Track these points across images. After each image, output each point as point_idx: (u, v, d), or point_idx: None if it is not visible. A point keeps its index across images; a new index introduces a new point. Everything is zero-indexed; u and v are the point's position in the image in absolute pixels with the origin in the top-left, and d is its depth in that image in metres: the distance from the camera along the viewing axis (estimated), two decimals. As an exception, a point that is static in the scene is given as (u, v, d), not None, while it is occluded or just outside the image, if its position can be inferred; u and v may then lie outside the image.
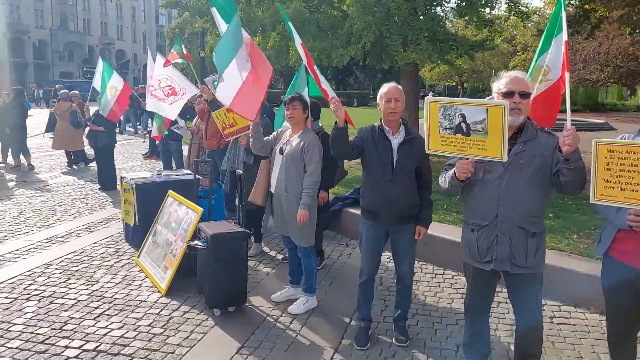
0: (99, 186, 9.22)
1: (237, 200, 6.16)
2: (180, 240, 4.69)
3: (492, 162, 2.79)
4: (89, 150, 12.29)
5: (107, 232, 6.55)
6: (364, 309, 3.80)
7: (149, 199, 5.80)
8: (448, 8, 12.39)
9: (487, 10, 11.17)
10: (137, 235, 5.86)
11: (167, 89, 6.90)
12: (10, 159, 12.15)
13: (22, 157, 11.31)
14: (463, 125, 2.74)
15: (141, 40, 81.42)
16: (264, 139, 4.31)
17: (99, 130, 8.72)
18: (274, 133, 4.41)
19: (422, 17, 10.46)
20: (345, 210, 6.36)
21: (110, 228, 6.74)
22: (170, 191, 5.52)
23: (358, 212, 6.16)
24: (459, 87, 62.09)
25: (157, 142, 13.25)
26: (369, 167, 3.55)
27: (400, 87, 3.49)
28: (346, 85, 62.43)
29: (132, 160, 12.78)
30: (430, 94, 48.62)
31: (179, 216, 4.98)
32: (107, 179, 9.08)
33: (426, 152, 2.92)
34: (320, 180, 4.11)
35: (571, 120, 2.70)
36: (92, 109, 9.51)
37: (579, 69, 31.62)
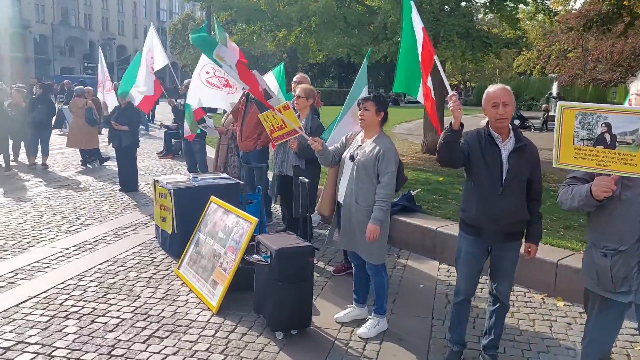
0: (119, 187, 8.81)
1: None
2: (232, 252, 4.29)
3: (633, 177, 2.39)
4: (103, 149, 11.95)
5: (137, 238, 6.14)
6: (459, 332, 3.41)
7: (188, 205, 5.41)
8: (479, 3, 11.99)
9: (520, 6, 10.76)
10: (174, 243, 5.46)
11: (222, 79, 6.53)
12: (22, 158, 11.74)
13: (35, 155, 10.89)
14: (607, 136, 2.35)
15: (142, 36, 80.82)
16: (330, 148, 3.94)
17: (123, 129, 8.29)
18: (343, 138, 4.01)
19: (454, 13, 10.06)
20: (394, 217, 5.95)
21: (140, 234, 6.33)
22: (212, 197, 5.12)
23: (408, 219, 5.88)
24: (462, 85, 61.58)
25: (173, 140, 12.94)
26: (475, 177, 3.15)
27: (509, 88, 3.09)
28: (349, 82, 61.82)
29: (148, 160, 12.35)
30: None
31: (227, 225, 4.58)
32: (129, 180, 8.66)
33: (554, 165, 2.52)
34: (394, 192, 3.72)
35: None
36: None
37: (590, 68, 31.28)
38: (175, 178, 5.87)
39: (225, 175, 6.13)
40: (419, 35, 3.88)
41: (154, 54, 7.90)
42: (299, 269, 3.68)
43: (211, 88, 6.61)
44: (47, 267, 5.18)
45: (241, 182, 5.84)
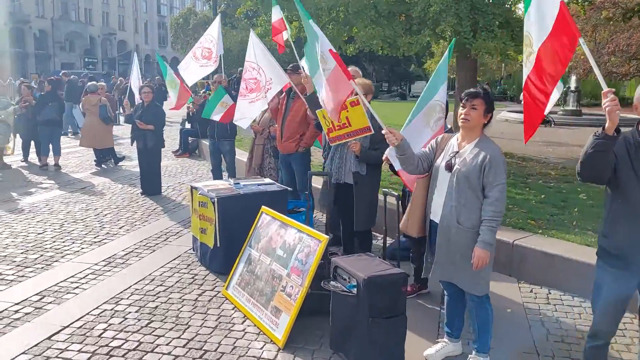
0: (141, 190, 8.21)
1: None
2: (297, 275, 3.69)
3: None
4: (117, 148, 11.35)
5: (171, 251, 5.55)
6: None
7: (233, 215, 4.82)
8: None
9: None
10: (217, 258, 4.87)
11: (251, 82, 5.83)
12: (31, 157, 11.13)
13: (47, 155, 10.27)
14: None
15: (143, 31, 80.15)
16: (416, 153, 3.31)
17: (148, 129, 7.67)
18: (432, 142, 3.39)
19: (493, 1, 9.41)
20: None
21: (173, 246, 5.73)
22: (264, 207, 4.51)
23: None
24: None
25: (190, 139, 12.33)
26: (623, 194, 2.55)
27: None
28: (366, 76, 61.02)
29: (164, 159, 11.49)
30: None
31: (287, 242, 3.97)
32: (152, 184, 8.06)
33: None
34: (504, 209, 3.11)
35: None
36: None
37: (605, 62, 30.55)
38: (215, 185, 5.26)
39: (269, 180, 5.53)
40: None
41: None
42: (392, 301, 3.09)
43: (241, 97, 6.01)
44: (77, 287, 4.58)
45: (289, 188, 5.23)
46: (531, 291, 4.54)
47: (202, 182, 5.47)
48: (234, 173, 7.74)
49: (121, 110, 18.59)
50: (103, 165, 10.62)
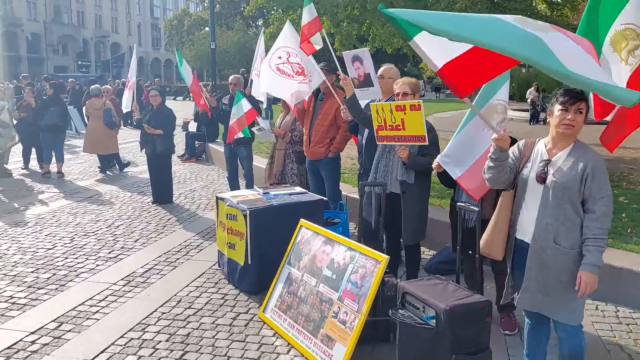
0: (152, 199, 7.77)
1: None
2: (352, 299, 3.28)
3: None
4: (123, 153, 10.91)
5: (194, 267, 5.12)
6: None
7: (266, 229, 4.41)
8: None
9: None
10: (248, 277, 4.46)
11: (296, 66, 5.47)
12: (33, 164, 10.67)
13: (49, 163, 9.81)
14: None
15: (136, 33, 79.56)
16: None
17: (157, 133, 7.24)
18: (514, 147, 2.98)
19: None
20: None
21: (196, 261, 5.31)
22: (303, 221, 4.10)
23: None
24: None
25: (197, 143, 11.89)
26: None
27: None
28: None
29: (170, 164, 11.28)
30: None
31: (336, 261, 3.57)
32: (163, 192, 7.63)
33: None
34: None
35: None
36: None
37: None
38: (244, 195, 4.84)
39: (300, 189, 5.11)
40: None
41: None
42: (477, 334, 2.70)
43: (280, 76, 5.56)
44: (97, 311, 4.16)
45: (324, 198, 4.81)
46: (596, 308, 4.14)
47: (228, 193, 5.04)
48: (252, 180, 7.31)
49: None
50: (108, 172, 10.18)
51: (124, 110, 8.54)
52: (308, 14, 4.86)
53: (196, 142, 11.86)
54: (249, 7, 11.36)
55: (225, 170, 10.32)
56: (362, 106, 5.25)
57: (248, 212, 4.34)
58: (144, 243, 5.89)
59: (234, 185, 7.39)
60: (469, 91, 2.78)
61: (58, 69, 61.64)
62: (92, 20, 70.07)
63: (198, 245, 5.80)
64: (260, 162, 8.19)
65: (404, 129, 3.81)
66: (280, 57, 5.54)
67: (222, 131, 7.36)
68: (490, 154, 2.83)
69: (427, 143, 3.70)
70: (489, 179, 2.87)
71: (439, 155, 3.70)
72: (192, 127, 13.53)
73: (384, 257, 3.22)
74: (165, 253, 5.54)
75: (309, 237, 3.94)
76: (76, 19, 67.50)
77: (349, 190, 6.59)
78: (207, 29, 56.84)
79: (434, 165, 3.72)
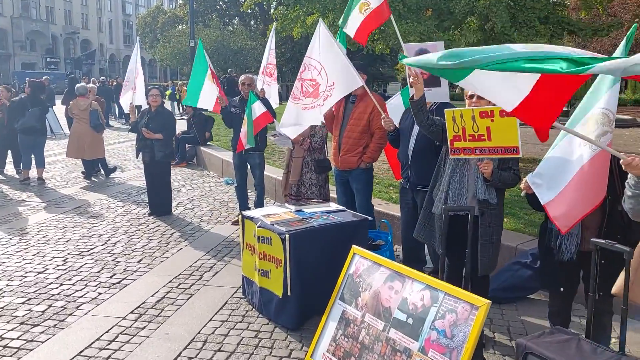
0: (148, 210, 7.04)
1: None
2: (441, 353, 2.69)
3: None
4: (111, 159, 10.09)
5: (214, 296, 4.46)
6: None
7: (309, 255, 3.80)
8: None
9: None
10: (287, 310, 3.83)
11: (307, 84, 4.70)
12: (8, 169, 9.77)
13: (29, 169, 8.95)
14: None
15: (107, 30, 77.55)
16: None
17: (155, 138, 6.52)
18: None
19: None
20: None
21: (214, 287, 4.65)
22: (357, 248, 3.49)
23: None
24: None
25: (187, 146, 11.13)
26: None
27: None
28: None
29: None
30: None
31: (411, 301, 2.97)
32: (161, 202, 6.91)
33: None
34: None
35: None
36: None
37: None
38: (276, 214, 4.19)
39: (336, 205, 4.50)
40: None
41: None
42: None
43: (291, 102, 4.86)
44: (109, 356, 3.47)
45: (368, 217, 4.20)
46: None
47: (257, 211, 4.39)
48: (263, 190, 6.66)
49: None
50: (93, 178, 9.36)
51: (126, 111, 7.66)
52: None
53: (187, 145, 11.11)
54: (247, 3, 10.66)
55: (222, 176, 9.68)
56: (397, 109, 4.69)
57: (287, 236, 3.71)
58: (148, 264, 5.19)
59: (243, 197, 6.72)
60: (547, 128, 2.62)
61: (25, 66, 59.46)
62: (62, 16, 67.96)
63: (211, 267, 5.13)
64: (270, 170, 7.56)
65: (490, 139, 3.25)
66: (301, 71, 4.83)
67: (232, 136, 6.66)
68: (628, 181, 2.30)
69: (520, 155, 3.15)
70: (630, 210, 2.33)
71: (529, 175, 3.14)
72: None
73: (484, 302, 2.64)
74: (176, 277, 4.85)
75: (367, 268, 3.33)
76: (45, 14, 65.31)
77: (388, 207, 5.98)
78: (182, 26, 55.52)
79: (522, 186, 3.16)
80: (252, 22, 58.18)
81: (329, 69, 4.57)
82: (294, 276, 3.75)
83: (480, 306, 2.64)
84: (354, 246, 3.51)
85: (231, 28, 53.27)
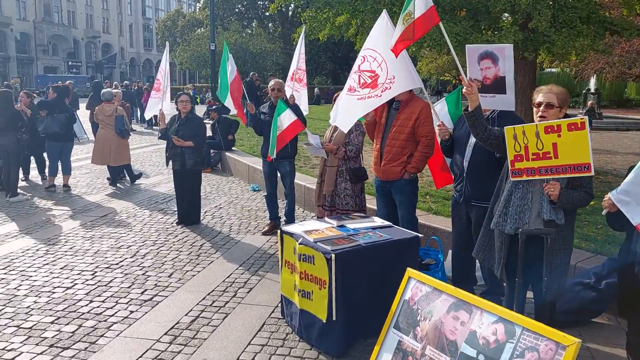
0: (176, 219, 6.83)
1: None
2: (520, 394, 2.39)
3: None
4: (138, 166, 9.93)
5: (251, 316, 4.20)
6: None
7: (356, 276, 3.52)
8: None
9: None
10: (332, 336, 3.55)
11: (366, 75, 4.42)
12: (33, 175, 9.68)
13: (55, 175, 8.83)
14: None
15: (127, 34, 78.37)
16: None
17: (186, 145, 6.30)
18: None
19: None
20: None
21: (249, 306, 4.39)
22: (412, 271, 3.20)
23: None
24: (455, 81, 59.76)
25: (212, 151, 10.94)
26: None
27: None
28: (342, 80, 58.60)
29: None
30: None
31: (480, 334, 2.66)
32: (191, 212, 6.69)
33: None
34: None
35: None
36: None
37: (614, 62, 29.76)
38: (318, 229, 3.91)
39: (382, 221, 4.20)
40: None
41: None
42: None
43: (347, 94, 4.58)
44: (145, 386, 3.22)
45: (419, 234, 3.90)
46: None
47: (296, 226, 4.11)
48: (293, 199, 6.41)
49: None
50: (118, 185, 9.21)
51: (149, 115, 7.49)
52: (423, 2, 3.90)
53: (212, 150, 10.92)
54: (273, 5, 10.44)
55: (248, 183, 9.46)
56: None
57: (333, 256, 3.43)
58: (180, 279, 4.95)
59: (273, 206, 6.47)
60: None
61: (48, 70, 60.37)
62: (83, 20, 68.81)
63: (245, 283, 4.87)
64: (300, 178, 7.30)
65: (557, 156, 2.93)
66: (358, 66, 4.55)
67: (262, 144, 6.42)
68: None
69: (592, 173, 2.83)
70: None
71: (613, 192, 2.82)
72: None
73: (572, 340, 2.33)
74: (209, 294, 4.61)
75: (426, 294, 3.04)
76: (67, 19, 66.21)
77: (436, 221, 5.65)
78: (201, 30, 55.72)
79: (605, 204, 2.84)
80: (271, 24, 58.20)
81: (390, 62, 4.31)
82: (339, 299, 3.47)
83: (569, 345, 2.32)
84: (409, 269, 3.22)
85: (250, 31, 53.28)
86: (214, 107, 15.88)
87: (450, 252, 4.51)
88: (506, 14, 9.30)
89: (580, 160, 2.85)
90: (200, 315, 4.19)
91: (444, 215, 5.71)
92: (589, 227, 5.33)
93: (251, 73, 17.66)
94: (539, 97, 3.15)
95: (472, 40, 7.70)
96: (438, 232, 5.20)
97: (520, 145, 3.03)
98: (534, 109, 3.19)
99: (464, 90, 3.39)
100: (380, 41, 4.41)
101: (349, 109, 4.52)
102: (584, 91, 23.69)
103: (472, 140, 3.79)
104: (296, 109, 6.06)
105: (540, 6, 6.95)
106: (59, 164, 8.73)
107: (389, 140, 4.68)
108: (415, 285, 3.13)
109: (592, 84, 23.38)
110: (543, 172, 3.00)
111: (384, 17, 4.45)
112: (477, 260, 4.20)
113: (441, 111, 4.76)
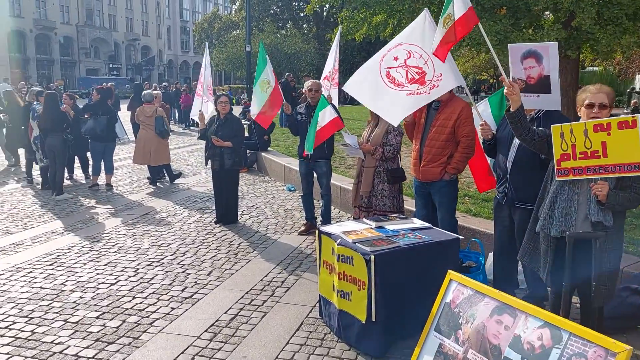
0: (214, 218, 6.94)
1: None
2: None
3: None
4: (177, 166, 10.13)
5: (289, 315, 4.23)
6: None
7: (396, 278, 3.50)
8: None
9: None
10: (371, 337, 3.54)
11: (413, 71, 4.44)
12: (77, 175, 10.00)
13: (98, 175, 9.10)
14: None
15: (166, 36, 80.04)
16: None
17: (225, 146, 6.40)
18: None
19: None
20: None
21: (287, 305, 4.42)
22: (453, 273, 3.16)
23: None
24: (493, 80, 58.55)
25: (248, 152, 11.07)
26: None
27: None
28: None
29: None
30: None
31: (525, 339, 2.61)
32: (228, 211, 6.79)
33: None
34: None
35: None
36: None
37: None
38: (356, 230, 3.91)
39: (420, 222, 4.16)
40: None
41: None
42: None
43: (388, 85, 4.55)
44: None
45: (459, 236, 3.85)
46: None
47: (334, 227, 4.12)
48: (330, 200, 6.42)
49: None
50: (158, 184, 9.42)
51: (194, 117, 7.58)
52: (462, 3, 3.86)
53: (248, 150, 11.04)
54: (309, 6, 10.48)
55: (283, 183, 9.52)
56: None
57: (372, 257, 3.42)
58: (218, 277, 5.03)
59: (309, 206, 6.50)
60: None
61: (90, 72, 62.22)
62: (124, 23, 70.64)
63: (283, 282, 4.91)
64: (335, 178, 7.30)
65: (606, 155, 2.85)
66: (396, 58, 4.55)
67: (299, 144, 6.45)
68: None
69: None
70: None
71: None
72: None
73: (623, 347, 2.25)
74: (247, 293, 4.66)
75: (468, 297, 3.00)
76: (108, 22, 68.10)
77: (474, 222, 5.58)
78: (237, 31, 56.43)
79: None
80: (305, 25, 58.46)
81: (435, 61, 4.28)
82: (379, 301, 3.45)
83: (619, 353, 2.25)
84: (450, 271, 3.18)
85: (284, 32, 53.64)
86: (249, 107, 16.06)
87: (491, 254, 4.43)
88: (547, 12, 9.07)
89: (631, 160, 2.76)
90: (239, 314, 4.24)
91: (483, 217, 5.61)
92: (636, 231, 5.14)
93: (286, 74, 17.79)
94: (589, 98, 3.06)
95: (512, 38, 7.56)
96: (478, 234, 5.12)
97: (567, 144, 2.95)
98: (584, 111, 3.09)
99: (505, 90, 3.32)
100: (425, 38, 4.39)
101: (398, 103, 4.48)
102: (628, 90, 22.88)
103: (516, 140, 3.72)
104: (335, 108, 6.06)
105: (584, 3, 6.75)
106: (102, 163, 8.98)
107: (428, 140, 4.63)
108: (457, 288, 3.08)
109: (638, 82, 22.55)
110: (591, 171, 2.92)
111: (425, 15, 4.42)
112: (519, 263, 4.13)
113: (484, 112, 4.68)
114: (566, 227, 3.11)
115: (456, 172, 4.60)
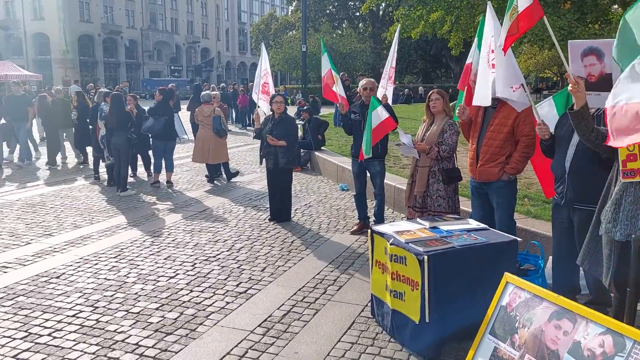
0: (269, 216, 7.06)
1: None
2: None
3: None
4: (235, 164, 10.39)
5: (341, 314, 4.24)
6: None
7: (448, 278, 3.44)
8: None
9: None
10: (424, 337, 3.49)
11: (491, 59, 4.38)
12: (140, 172, 10.43)
13: (159, 172, 9.47)
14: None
15: (224, 38, 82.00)
16: None
17: (279, 145, 6.51)
18: None
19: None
20: None
21: (339, 303, 4.44)
22: (510, 275, 3.07)
23: None
24: (557, 78, 56.02)
25: (303, 151, 11.18)
26: None
27: None
28: (433, 78, 57.23)
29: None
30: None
31: (585, 346, 2.50)
32: (282, 209, 6.90)
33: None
34: None
35: None
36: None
37: None
38: (410, 230, 3.87)
39: (476, 222, 4.07)
40: None
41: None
42: None
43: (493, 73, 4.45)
44: (240, 374, 3.37)
45: (517, 238, 3.74)
46: None
47: (387, 227, 4.10)
48: (383, 200, 6.38)
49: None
50: (216, 182, 9.68)
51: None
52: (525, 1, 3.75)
53: (301, 150, 11.14)
54: (365, 5, 10.47)
55: (336, 182, 9.55)
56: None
57: (426, 257, 3.38)
58: (272, 274, 5.11)
59: (362, 206, 6.49)
60: None
61: (153, 74, 64.68)
62: (185, 26, 72.93)
63: (335, 281, 4.93)
64: (389, 178, 7.25)
65: None
66: (492, 51, 4.42)
67: (352, 143, 6.45)
68: None
69: None
70: None
71: None
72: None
73: (694, 359, 2.13)
74: (300, 290, 4.72)
75: (525, 301, 2.90)
76: (170, 25, 70.53)
77: (529, 223, 5.40)
78: (293, 32, 57.03)
79: None
80: (361, 24, 58.29)
81: (498, 56, 4.21)
82: (433, 301, 3.41)
83: (690, 365, 2.12)
84: (506, 274, 3.09)
85: (340, 32, 53.69)
86: (304, 107, 16.23)
87: (551, 258, 4.27)
88: (615, 6, 8.64)
89: None
90: (292, 310, 4.30)
91: (544, 219, 5.41)
92: None
93: (341, 73, 17.78)
94: None
95: (577, 34, 7.25)
96: (538, 236, 4.94)
97: (634, 144, 2.80)
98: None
99: (569, 88, 3.20)
100: (492, 33, 4.33)
101: (490, 84, 4.38)
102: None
103: (575, 139, 3.57)
104: (388, 109, 6.02)
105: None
106: (163, 161, 9.33)
107: (486, 140, 4.52)
108: (514, 291, 3.00)
109: None
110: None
111: (488, 9, 4.34)
112: (581, 268, 3.96)
113: (549, 113, 4.50)
114: (632, 231, 2.95)
115: (515, 172, 4.46)
